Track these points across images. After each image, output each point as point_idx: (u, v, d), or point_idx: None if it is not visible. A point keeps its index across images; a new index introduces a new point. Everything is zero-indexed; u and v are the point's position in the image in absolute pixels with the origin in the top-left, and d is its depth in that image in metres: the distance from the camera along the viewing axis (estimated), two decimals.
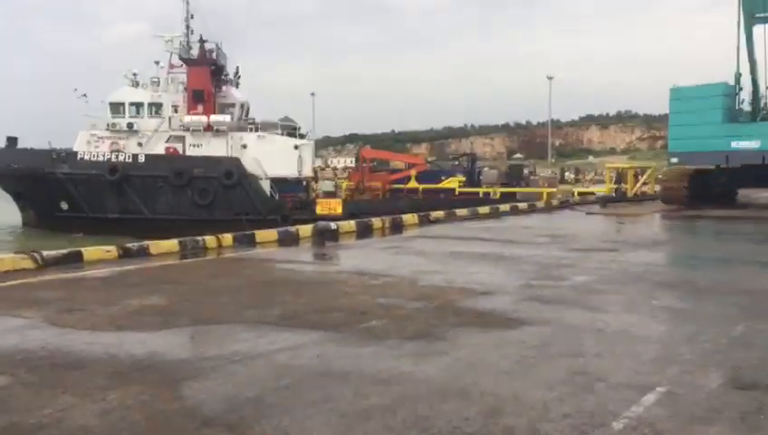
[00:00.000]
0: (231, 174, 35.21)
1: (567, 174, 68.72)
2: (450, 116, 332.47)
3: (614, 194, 28.41)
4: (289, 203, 35.79)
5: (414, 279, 9.28)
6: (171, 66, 39.43)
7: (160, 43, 38.99)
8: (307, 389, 4.72)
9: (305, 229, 14.87)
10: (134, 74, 38.94)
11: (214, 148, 37.14)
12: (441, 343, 5.95)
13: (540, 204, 25.54)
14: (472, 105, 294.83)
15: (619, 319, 6.95)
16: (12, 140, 37.92)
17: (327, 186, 39.89)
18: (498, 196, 35.28)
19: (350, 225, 16.10)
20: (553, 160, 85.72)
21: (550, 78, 69.47)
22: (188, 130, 37.60)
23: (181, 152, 37.59)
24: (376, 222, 16.87)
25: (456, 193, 37.70)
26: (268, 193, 36.31)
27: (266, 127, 39.00)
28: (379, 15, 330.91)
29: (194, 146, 37.58)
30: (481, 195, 36.39)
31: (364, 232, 15.91)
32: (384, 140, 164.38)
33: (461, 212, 20.77)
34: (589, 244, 13.54)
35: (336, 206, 35.12)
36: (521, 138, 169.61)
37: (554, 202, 26.43)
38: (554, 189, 36.52)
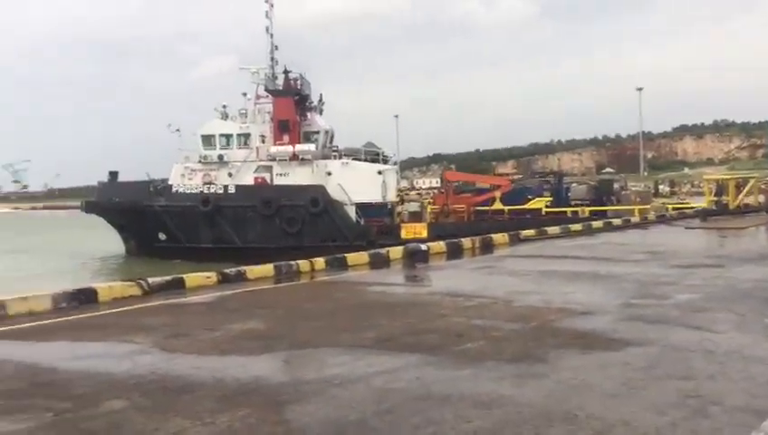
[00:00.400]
0: (317, 201, 35.90)
1: (661, 187, 66.13)
2: (536, 132, 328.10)
3: (714, 207, 27.07)
4: (375, 228, 36.11)
5: (509, 300, 9.14)
6: (258, 97, 40.71)
7: (247, 75, 40.45)
8: (408, 412, 4.71)
9: (396, 251, 14.91)
10: (224, 107, 40.51)
11: (300, 176, 38.00)
12: (541, 366, 5.82)
13: (634, 219, 24.68)
14: (558, 120, 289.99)
15: (729, 339, 6.60)
16: (113, 175, 40.33)
17: (413, 207, 39.97)
18: (587, 215, 34.27)
19: (440, 246, 16.05)
20: (646, 174, 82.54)
21: (639, 89, 66.99)
22: (275, 159, 38.69)
23: (269, 182, 38.70)
24: (466, 242, 16.74)
25: (544, 213, 36.95)
26: (354, 219, 36.75)
27: (350, 153, 39.61)
28: (462, 34, 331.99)
29: (281, 175, 38.58)
30: (569, 214, 35.49)
31: (454, 253, 15.82)
32: (468, 159, 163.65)
33: (552, 230, 20.31)
34: (690, 260, 12.93)
35: (421, 230, 35.06)
36: (609, 151, 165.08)
37: (650, 216, 25.49)
38: (647, 206, 35.07)
